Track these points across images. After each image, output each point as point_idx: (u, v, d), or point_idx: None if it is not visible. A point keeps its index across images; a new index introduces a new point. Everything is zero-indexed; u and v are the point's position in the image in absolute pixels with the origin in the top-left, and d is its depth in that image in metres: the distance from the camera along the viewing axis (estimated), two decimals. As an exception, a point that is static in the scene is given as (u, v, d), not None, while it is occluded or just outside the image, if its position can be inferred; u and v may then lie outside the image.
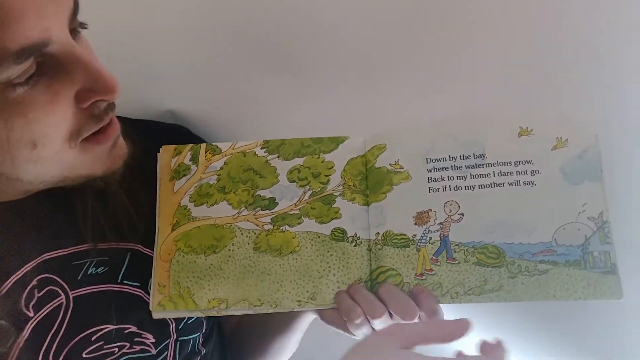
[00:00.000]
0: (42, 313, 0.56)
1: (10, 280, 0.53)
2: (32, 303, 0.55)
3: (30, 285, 0.55)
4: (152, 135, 0.64)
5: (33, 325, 0.55)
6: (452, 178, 0.59)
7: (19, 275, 0.54)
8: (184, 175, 0.63)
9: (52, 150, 0.48)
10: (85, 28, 0.50)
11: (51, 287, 0.56)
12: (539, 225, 0.56)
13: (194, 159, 0.64)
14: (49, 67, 0.46)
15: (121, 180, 0.57)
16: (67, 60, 0.46)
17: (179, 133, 0.72)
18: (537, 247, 0.55)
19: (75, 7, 0.47)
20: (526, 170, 0.57)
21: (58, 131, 0.48)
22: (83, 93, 0.48)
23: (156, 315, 0.60)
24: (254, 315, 0.72)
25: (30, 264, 0.55)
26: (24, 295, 0.54)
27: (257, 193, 0.62)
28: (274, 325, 0.71)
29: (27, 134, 0.46)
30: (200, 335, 0.67)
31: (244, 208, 0.62)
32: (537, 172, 0.57)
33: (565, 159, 0.57)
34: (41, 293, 0.56)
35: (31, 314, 0.55)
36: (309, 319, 0.68)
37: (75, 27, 0.49)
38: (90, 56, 0.49)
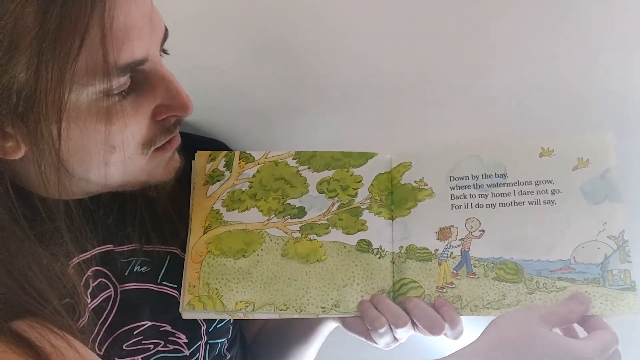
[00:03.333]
0: (97, 301, 0.59)
1: (70, 265, 0.56)
2: (89, 291, 0.58)
3: (86, 274, 0.58)
4: (193, 147, 0.68)
5: (90, 309, 0.58)
6: (474, 196, 0.62)
7: (76, 262, 0.57)
8: (218, 180, 0.66)
9: (126, 155, 0.53)
10: (168, 54, 0.56)
11: (102, 279, 0.60)
12: (558, 243, 0.58)
13: (228, 166, 0.67)
14: (139, 82, 0.51)
15: (169, 190, 0.61)
16: (155, 77, 0.52)
17: (217, 147, 0.75)
18: (556, 265, 0.57)
19: (166, 32, 0.54)
20: (546, 190, 0.59)
21: (134, 139, 0.53)
22: (161, 108, 0.54)
23: (185, 315, 0.62)
24: (276, 322, 0.75)
25: (85, 254, 0.59)
26: (82, 283, 0.57)
27: (287, 202, 0.65)
28: (295, 333, 0.73)
29: (111, 139, 0.51)
30: (226, 340, 0.69)
31: (273, 215, 0.64)
32: (557, 191, 0.59)
33: (586, 179, 0.58)
34: (95, 283, 0.59)
35: (89, 300, 0.58)
36: (329, 328, 0.70)
37: (162, 50, 0.54)
38: (172, 76, 0.54)
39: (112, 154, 0.52)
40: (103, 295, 0.59)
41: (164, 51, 0.56)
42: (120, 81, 0.49)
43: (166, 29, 0.54)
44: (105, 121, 0.49)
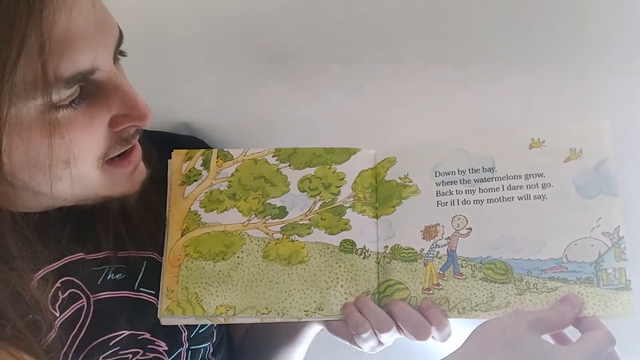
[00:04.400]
0: (67, 313, 0.57)
1: (34, 279, 0.54)
2: (58, 303, 0.56)
3: (55, 286, 0.56)
4: (170, 147, 0.66)
5: (59, 324, 0.56)
6: (460, 192, 0.59)
7: (42, 274, 0.55)
8: (195, 180, 0.64)
9: (82, 169, 0.50)
10: (125, 56, 0.53)
11: (73, 289, 0.58)
12: (550, 241, 0.55)
13: (205, 164, 0.64)
14: (90, 92, 0.48)
15: (142, 193, 0.58)
16: (108, 87, 0.49)
17: (195, 145, 0.72)
18: (547, 264, 0.54)
19: (120, 37, 0.51)
20: (537, 184, 0.56)
21: (90, 152, 0.50)
22: (118, 118, 0.51)
23: (164, 321, 0.60)
24: (261, 325, 0.73)
25: (53, 265, 0.56)
26: (50, 296, 0.55)
27: (268, 201, 0.62)
28: (281, 335, 0.71)
29: (62, 153, 0.48)
30: (211, 345, 0.67)
31: (254, 216, 0.62)
32: (548, 185, 0.56)
33: (579, 171, 0.55)
34: (65, 294, 0.57)
35: (58, 313, 0.56)
36: (315, 330, 0.68)
37: (116, 55, 0.51)
38: (127, 84, 0.51)
39: (65, 169, 0.49)
40: (75, 306, 0.57)
41: (121, 53, 0.52)
42: (66, 93, 0.46)
43: (121, 33, 0.51)
44: (52, 135, 0.46)
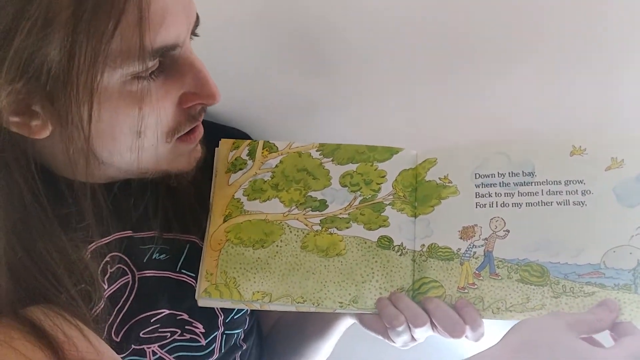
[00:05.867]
0: (114, 287, 0.59)
1: (87, 250, 0.56)
2: (107, 277, 0.58)
3: (104, 260, 0.58)
4: (216, 136, 0.68)
5: (107, 296, 0.57)
6: (499, 195, 0.60)
7: (94, 247, 0.57)
8: (240, 169, 0.66)
9: (151, 142, 0.53)
10: (197, 36, 0.55)
11: (120, 265, 0.60)
12: (588, 247, 0.55)
13: (251, 154, 0.66)
14: (168, 67, 0.51)
15: (192, 178, 0.61)
16: (184, 64, 0.52)
17: (239, 137, 0.74)
18: (584, 269, 0.55)
19: (197, 18, 0.53)
20: (577, 190, 0.57)
21: (160, 126, 0.53)
22: (188, 95, 0.53)
23: (201, 302, 0.62)
24: (292, 315, 0.74)
25: (104, 239, 0.58)
26: (99, 268, 0.57)
27: (309, 194, 0.64)
28: (311, 327, 0.72)
29: (135, 124, 0.50)
30: (243, 331, 0.69)
31: (294, 207, 0.64)
32: (588, 192, 0.57)
33: (619, 180, 0.56)
34: (113, 269, 0.59)
35: (106, 286, 0.58)
36: (346, 324, 0.69)
37: (191, 35, 0.54)
38: (201, 63, 0.54)
39: (138, 140, 0.51)
40: (121, 281, 0.59)
41: (195, 34, 0.55)
42: (151, 64, 0.48)
43: (197, 16, 0.53)
44: (135, 105, 0.49)
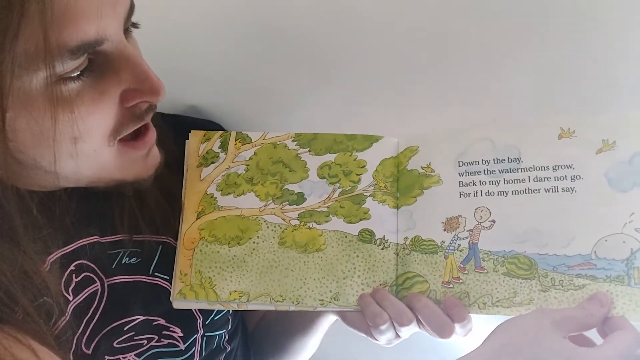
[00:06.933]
0: (80, 297, 0.56)
1: (47, 262, 0.53)
2: (71, 287, 0.55)
3: (68, 269, 0.55)
4: (186, 130, 0.65)
5: (72, 308, 0.55)
6: (484, 183, 0.57)
7: (55, 257, 0.54)
8: (212, 162, 0.63)
9: (92, 146, 0.49)
10: (137, 27, 0.51)
11: (87, 273, 0.57)
12: (578, 236, 0.52)
13: (223, 147, 0.63)
14: (100, 64, 0.47)
15: (157, 176, 0.57)
16: (118, 59, 0.47)
17: (212, 128, 0.71)
18: (574, 260, 0.52)
19: (132, 8, 0.49)
20: (566, 176, 0.54)
21: (100, 129, 0.49)
22: (129, 93, 0.49)
23: (176, 304, 0.59)
24: (276, 313, 0.72)
25: (66, 248, 0.56)
26: (63, 279, 0.54)
27: (286, 187, 0.61)
28: (295, 324, 0.70)
29: (70, 129, 0.46)
30: (226, 332, 0.66)
31: (271, 201, 0.61)
32: (578, 177, 0.53)
33: (611, 164, 0.52)
34: (79, 278, 0.56)
35: (71, 297, 0.55)
36: (330, 321, 0.67)
37: (128, 27, 0.50)
38: (139, 57, 0.50)
39: (76, 145, 0.47)
40: (88, 290, 0.56)
41: (134, 25, 0.50)
42: (71, 65, 0.44)
43: (132, 4, 0.49)
44: (66, 108, 0.45)
